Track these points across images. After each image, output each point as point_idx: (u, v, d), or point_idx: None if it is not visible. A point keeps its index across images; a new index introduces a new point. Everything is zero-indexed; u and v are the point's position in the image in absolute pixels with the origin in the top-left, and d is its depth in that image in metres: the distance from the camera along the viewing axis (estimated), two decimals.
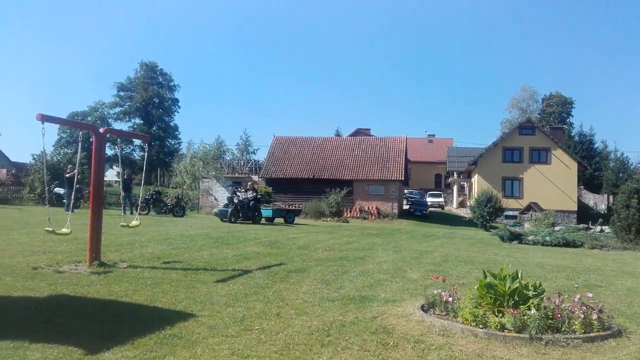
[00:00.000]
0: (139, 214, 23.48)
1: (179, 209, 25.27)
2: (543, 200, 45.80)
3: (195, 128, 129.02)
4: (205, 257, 10.39)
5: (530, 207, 46.23)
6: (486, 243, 17.88)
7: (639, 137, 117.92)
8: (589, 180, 58.22)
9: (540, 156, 48.02)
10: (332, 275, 8.91)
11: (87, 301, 6.36)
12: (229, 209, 21.08)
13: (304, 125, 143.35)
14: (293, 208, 29.86)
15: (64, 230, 8.37)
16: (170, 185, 36.54)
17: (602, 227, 23.09)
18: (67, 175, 23.01)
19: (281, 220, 24.51)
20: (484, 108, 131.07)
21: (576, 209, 46.80)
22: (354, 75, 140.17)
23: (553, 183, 47.01)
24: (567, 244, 17.28)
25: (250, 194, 21.66)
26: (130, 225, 10.15)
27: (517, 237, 18.46)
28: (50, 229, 8.14)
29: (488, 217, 38.83)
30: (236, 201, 21.23)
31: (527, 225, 43.36)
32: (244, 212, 21.15)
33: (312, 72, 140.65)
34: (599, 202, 55.22)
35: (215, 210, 23.83)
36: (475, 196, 42.69)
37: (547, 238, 17.83)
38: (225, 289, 7.38)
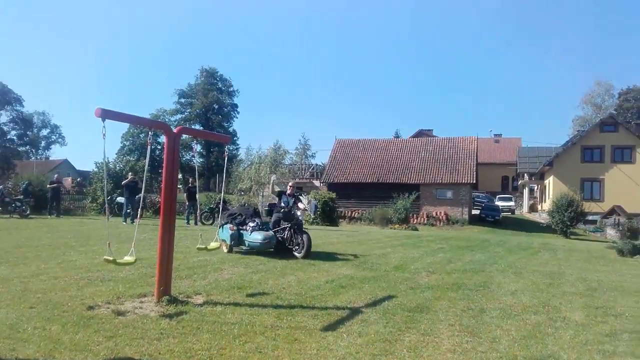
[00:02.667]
0: (203, 223, 22.13)
1: None
2: (627, 203, 41.86)
3: (252, 133, 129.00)
4: (293, 285, 8.45)
5: (614, 211, 42.37)
6: (606, 259, 15.19)
7: None
8: None
9: (623, 155, 44.18)
10: (469, 317, 6.76)
11: None
12: (283, 230, 12.05)
13: (361, 129, 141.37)
14: None
15: (127, 258, 6.65)
16: (236, 192, 35.03)
17: None
18: (123, 182, 21.09)
19: None
20: (552, 105, 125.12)
21: None
22: (412, 75, 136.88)
23: (638, 185, 42.95)
24: None
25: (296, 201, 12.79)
26: (208, 248, 8.28)
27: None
28: (111, 259, 6.38)
29: (569, 223, 35.59)
30: (298, 213, 12.84)
31: (609, 231, 39.68)
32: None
33: (368, 72, 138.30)
34: None
35: (258, 239, 11.57)
36: (552, 199, 39.39)
37: None
38: (342, 345, 5.37)
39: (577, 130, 58.85)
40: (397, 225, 35.20)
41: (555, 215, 35.78)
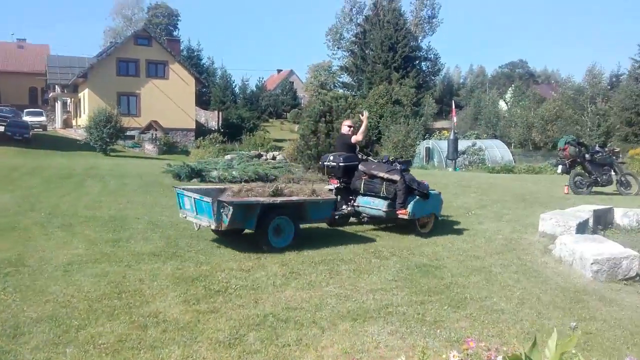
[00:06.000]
0: None
1: None
2: (162, 118, 43.02)
3: None
4: None
5: (151, 126, 42.92)
6: (164, 186, 13.38)
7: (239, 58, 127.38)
8: (197, 97, 58.05)
9: (157, 70, 44.59)
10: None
11: None
12: None
13: None
14: None
15: None
16: None
17: (274, 153, 21.40)
18: None
19: None
20: (82, 13, 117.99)
21: (194, 127, 46.02)
22: None
23: (171, 100, 44.40)
24: (260, 178, 14.50)
25: None
26: None
27: (198, 174, 14.58)
28: None
29: (108, 140, 33.77)
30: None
31: (147, 146, 40.00)
32: None
33: None
34: (209, 118, 56.14)
35: None
36: (89, 114, 36.52)
37: (235, 173, 14.63)
38: None
39: (110, 42, 56.59)
40: None
41: (94, 132, 33.41)
